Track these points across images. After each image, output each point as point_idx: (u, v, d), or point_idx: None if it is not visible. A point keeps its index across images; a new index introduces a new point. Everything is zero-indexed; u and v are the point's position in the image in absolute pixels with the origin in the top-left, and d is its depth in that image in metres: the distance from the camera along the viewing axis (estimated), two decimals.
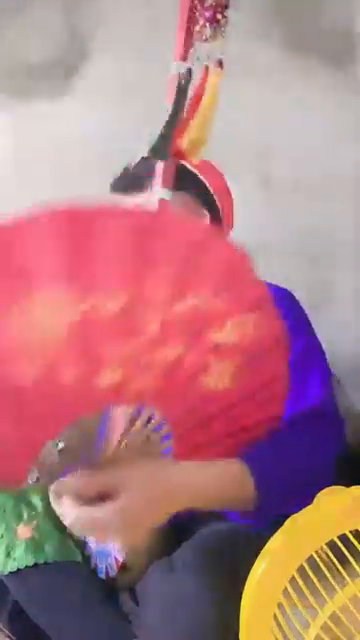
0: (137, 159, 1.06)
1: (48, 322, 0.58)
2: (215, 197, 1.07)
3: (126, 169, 1.07)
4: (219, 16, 0.91)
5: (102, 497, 0.65)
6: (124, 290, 0.59)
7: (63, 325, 0.58)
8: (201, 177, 1.04)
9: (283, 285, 1.03)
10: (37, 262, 0.57)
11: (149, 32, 1.64)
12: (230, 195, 1.11)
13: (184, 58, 0.92)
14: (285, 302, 0.98)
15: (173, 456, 0.72)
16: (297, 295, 1.02)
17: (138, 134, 1.08)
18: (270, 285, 1.01)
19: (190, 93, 0.91)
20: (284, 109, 1.66)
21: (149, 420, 0.70)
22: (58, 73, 1.72)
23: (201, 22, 0.91)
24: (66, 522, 0.67)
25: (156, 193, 0.89)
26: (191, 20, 0.92)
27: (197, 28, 0.91)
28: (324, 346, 0.98)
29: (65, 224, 0.61)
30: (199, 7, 0.92)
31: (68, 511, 0.67)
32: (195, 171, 1.02)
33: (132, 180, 1.03)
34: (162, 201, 0.88)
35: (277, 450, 0.79)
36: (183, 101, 0.91)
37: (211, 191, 1.06)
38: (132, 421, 0.69)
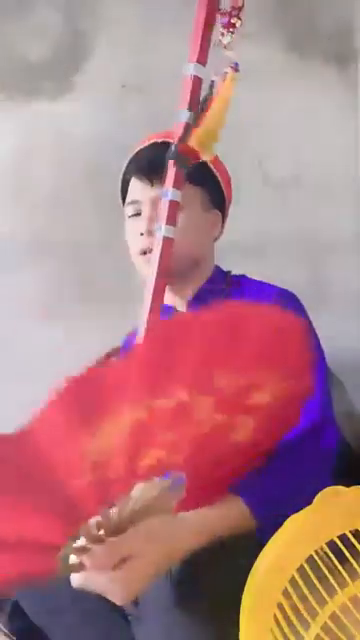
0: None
1: (110, 433, 0.59)
2: (224, 193, 1.07)
3: (141, 154, 1.06)
4: (234, 20, 0.92)
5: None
6: (185, 388, 0.61)
7: (122, 431, 0.60)
8: (217, 174, 1.04)
9: (283, 285, 1.03)
10: (112, 396, 0.59)
11: (149, 32, 1.64)
12: (230, 201, 1.11)
13: (201, 61, 0.92)
14: (288, 303, 0.99)
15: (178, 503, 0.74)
16: (297, 295, 1.02)
17: (138, 134, 1.09)
18: (273, 286, 1.02)
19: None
20: (284, 109, 1.66)
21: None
22: (58, 73, 1.72)
23: (219, 29, 0.91)
24: (73, 582, 0.69)
25: (162, 226, 0.90)
26: (208, 22, 0.93)
27: (218, 37, 0.92)
28: (324, 346, 0.98)
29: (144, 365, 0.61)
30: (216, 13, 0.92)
31: (75, 576, 0.70)
32: (212, 167, 1.02)
33: (149, 165, 1.02)
34: (166, 240, 0.91)
35: (271, 473, 0.80)
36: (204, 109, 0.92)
37: (222, 187, 1.06)
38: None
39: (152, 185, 1.02)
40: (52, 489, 0.59)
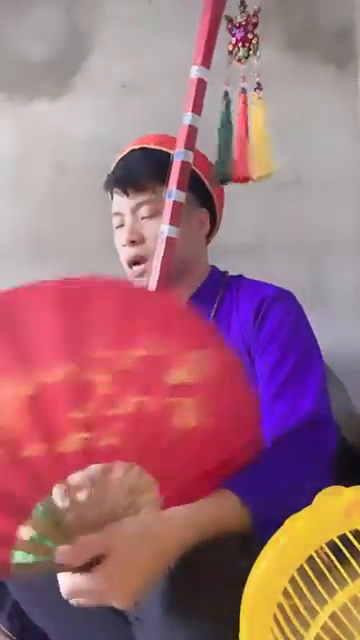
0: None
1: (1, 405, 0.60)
2: (213, 196, 1.07)
3: (117, 166, 1.07)
4: (250, 35, 0.93)
5: (96, 561, 0.66)
6: (64, 359, 0.62)
7: (15, 405, 0.60)
8: (204, 179, 1.04)
9: (283, 285, 1.03)
10: None
11: (149, 31, 1.64)
12: (222, 197, 1.11)
13: (205, 64, 0.93)
14: (286, 303, 0.98)
15: (164, 501, 0.72)
16: (297, 295, 1.02)
17: (138, 134, 1.09)
18: (271, 286, 1.02)
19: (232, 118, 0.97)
20: (284, 109, 1.66)
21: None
22: (58, 73, 1.72)
23: (233, 41, 0.92)
24: (63, 593, 0.67)
25: (164, 226, 0.92)
26: (213, 25, 0.93)
27: (229, 48, 0.94)
28: (324, 346, 0.99)
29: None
30: (229, 24, 0.94)
31: (62, 582, 0.68)
32: (198, 172, 1.02)
33: (123, 176, 1.03)
34: (169, 240, 0.93)
35: (267, 471, 0.80)
36: (228, 125, 0.97)
37: (210, 190, 1.06)
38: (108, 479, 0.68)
39: (127, 195, 1.02)
40: None
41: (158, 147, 1.02)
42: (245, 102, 0.97)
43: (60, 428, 0.63)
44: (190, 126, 0.93)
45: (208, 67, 0.93)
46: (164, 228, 0.92)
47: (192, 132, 0.93)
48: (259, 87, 0.96)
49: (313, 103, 1.65)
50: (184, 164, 0.93)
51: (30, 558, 0.66)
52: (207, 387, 0.69)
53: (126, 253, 1.03)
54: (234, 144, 0.98)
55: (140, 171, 1.00)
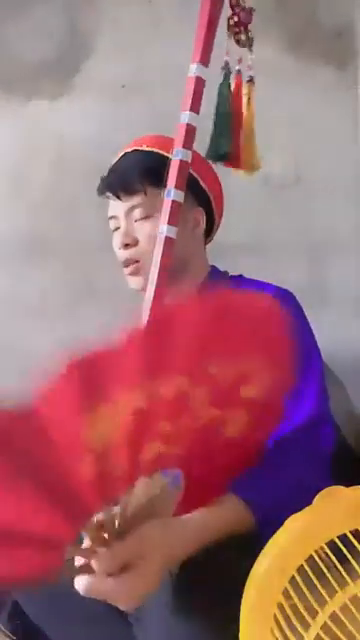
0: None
1: (110, 420, 0.58)
2: (210, 196, 1.07)
3: (110, 171, 1.07)
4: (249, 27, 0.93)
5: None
6: (183, 375, 0.61)
7: (122, 419, 0.59)
8: (198, 178, 1.04)
9: (283, 285, 1.03)
10: (112, 379, 0.58)
11: (149, 32, 1.64)
12: (221, 195, 1.11)
13: (204, 61, 0.92)
14: (285, 303, 0.98)
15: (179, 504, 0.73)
16: (297, 295, 1.02)
17: (138, 134, 1.09)
18: (270, 285, 1.02)
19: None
20: (284, 109, 1.66)
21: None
22: (58, 73, 1.72)
23: (235, 19, 0.91)
24: (79, 588, 0.67)
25: (162, 226, 0.91)
26: (211, 22, 0.93)
27: (230, 22, 0.93)
28: (324, 346, 0.98)
29: (139, 349, 0.60)
30: (236, 9, 0.93)
31: (81, 582, 0.67)
32: (192, 170, 1.02)
33: (115, 181, 1.03)
34: (167, 239, 0.91)
35: (269, 472, 0.81)
36: (227, 96, 0.95)
37: (207, 191, 1.06)
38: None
39: (121, 199, 1.02)
40: (53, 476, 0.57)
41: (150, 149, 1.02)
42: (240, 85, 0.96)
43: (148, 438, 0.63)
44: (188, 125, 0.92)
45: (206, 65, 0.93)
46: (162, 228, 0.92)
47: (190, 131, 0.92)
48: (251, 81, 0.96)
49: (313, 103, 1.65)
50: (182, 163, 0.92)
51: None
52: (264, 403, 0.70)
53: (121, 255, 1.04)
54: (232, 119, 0.96)
55: (131, 174, 1.01)
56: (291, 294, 1.01)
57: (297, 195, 1.66)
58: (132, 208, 1.02)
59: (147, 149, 1.01)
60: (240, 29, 0.94)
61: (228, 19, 0.94)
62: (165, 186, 0.96)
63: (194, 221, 1.06)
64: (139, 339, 0.59)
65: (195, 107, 0.92)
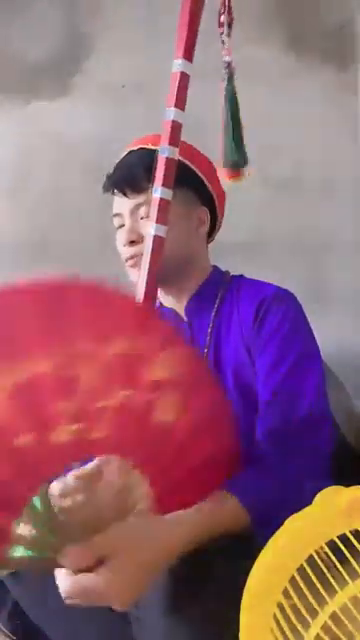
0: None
1: None
2: (213, 195, 1.07)
3: (115, 168, 1.07)
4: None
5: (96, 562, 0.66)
6: (48, 353, 0.64)
7: (2, 395, 0.62)
8: (203, 178, 1.04)
9: (283, 285, 1.03)
10: None
11: (149, 32, 1.64)
12: (223, 195, 1.11)
13: (187, 57, 0.91)
14: (286, 303, 0.99)
15: (155, 501, 0.73)
16: (297, 295, 1.02)
17: (138, 134, 1.09)
18: (271, 285, 1.02)
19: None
20: (284, 109, 1.66)
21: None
22: (58, 73, 1.72)
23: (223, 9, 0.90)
24: (61, 593, 0.67)
25: (152, 225, 0.90)
26: (193, 16, 0.91)
27: (221, 10, 0.91)
28: (324, 346, 0.99)
29: None
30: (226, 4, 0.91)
31: (61, 582, 0.67)
32: (192, 166, 1.03)
33: (121, 177, 1.04)
34: (157, 238, 0.90)
35: (266, 471, 0.81)
36: (234, 99, 0.94)
37: (210, 189, 1.06)
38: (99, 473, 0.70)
39: (127, 197, 1.03)
40: None
41: (156, 147, 1.02)
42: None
43: (50, 419, 0.64)
44: (174, 122, 0.90)
45: (190, 60, 0.91)
46: (151, 227, 0.90)
47: (176, 128, 0.90)
48: (227, 80, 0.94)
49: (313, 103, 1.66)
50: (169, 160, 0.91)
51: (29, 553, 0.67)
52: (182, 385, 0.72)
53: (126, 252, 1.04)
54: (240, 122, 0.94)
55: (138, 172, 1.01)
56: (291, 294, 1.01)
57: (297, 195, 1.66)
58: (138, 206, 1.02)
59: (153, 147, 1.02)
60: (225, 9, 0.92)
61: (219, 16, 0.92)
62: (187, 185, 0.96)
63: (198, 220, 1.06)
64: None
65: (180, 103, 0.90)
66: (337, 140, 1.65)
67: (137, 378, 0.68)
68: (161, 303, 1.10)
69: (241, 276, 1.09)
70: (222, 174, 0.95)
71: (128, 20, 1.67)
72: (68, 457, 0.68)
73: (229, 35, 0.92)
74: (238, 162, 0.92)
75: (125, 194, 1.03)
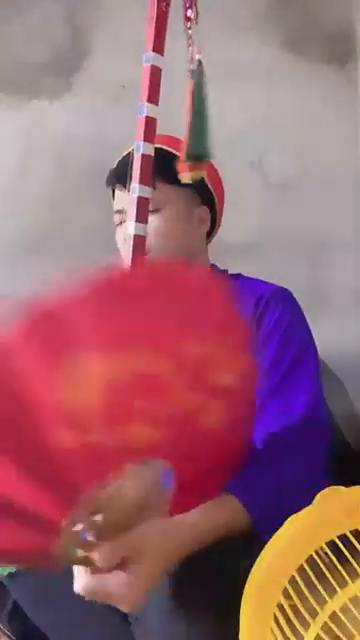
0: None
1: (85, 386, 0.58)
2: (214, 195, 1.08)
3: (118, 163, 1.07)
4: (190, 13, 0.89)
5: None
6: (150, 350, 0.61)
7: (98, 387, 0.59)
8: (204, 176, 1.04)
9: (282, 285, 1.03)
10: (78, 334, 0.58)
11: None
12: (223, 195, 1.11)
13: (157, 50, 0.89)
14: (283, 302, 0.99)
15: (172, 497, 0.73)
16: (296, 295, 1.02)
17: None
18: (269, 284, 1.02)
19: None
20: (284, 109, 1.66)
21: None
22: (58, 72, 1.72)
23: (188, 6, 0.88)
24: (76, 588, 0.67)
25: (131, 224, 0.88)
26: (160, 9, 0.90)
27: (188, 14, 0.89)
28: (324, 346, 0.99)
29: (103, 301, 0.61)
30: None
31: (79, 578, 0.67)
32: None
33: (124, 173, 1.04)
34: (137, 238, 0.88)
35: (265, 471, 0.81)
36: (201, 90, 0.88)
37: (210, 188, 1.07)
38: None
39: (129, 192, 1.02)
40: (32, 443, 0.56)
41: (160, 146, 1.02)
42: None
43: (130, 416, 0.62)
44: (147, 117, 0.89)
45: (162, 53, 0.90)
46: (131, 226, 0.88)
47: (150, 123, 0.89)
48: (192, 75, 0.87)
49: (313, 103, 1.65)
50: (145, 157, 0.89)
51: (71, 551, 0.66)
52: (235, 393, 0.70)
53: (127, 249, 1.04)
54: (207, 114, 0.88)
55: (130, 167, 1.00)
56: (289, 293, 1.01)
57: (297, 195, 1.66)
58: None
59: (157, 145, 1.02)
60: (190, 3, 0.89)
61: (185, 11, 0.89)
62: (174, 182, 0.95)
63: (199, 219, 1.06)
64: (99, 296, 0.59)
65: (153, 98, 0.89)
66: (337, 140, 1.65)
67: (205, 382, 0.66)
68: None
69: (239, 275, 1.09)
70: (182, 168, 0.93)
71: (128, 20, 1.67)
72: (131, 458, 0.66)
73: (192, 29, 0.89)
74: (202, 156, 0.89)
75: (128, 189, 1.03)
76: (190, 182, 0.94)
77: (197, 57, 0.88)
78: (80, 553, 0.67)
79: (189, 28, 0.89)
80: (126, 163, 1.05)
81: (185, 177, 0.88)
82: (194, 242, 1.06)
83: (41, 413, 0.57)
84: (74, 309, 0.58)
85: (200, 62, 0.88)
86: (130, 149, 1.07)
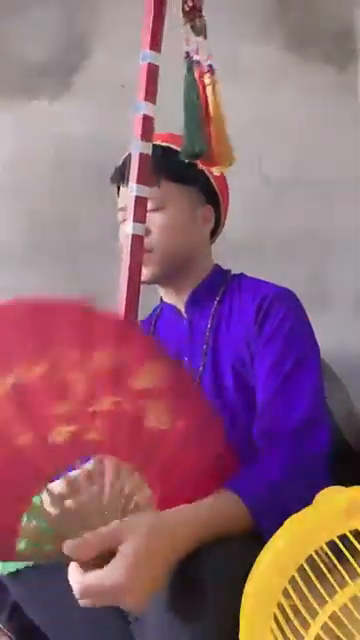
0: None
1: None
2: (218, 194, 1.08)
3: (124, 161, 1.07)
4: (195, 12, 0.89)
5: (105, 560, 0.66)
6: (39, 360, 0.70)
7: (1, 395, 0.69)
8: (207, 173, 1.04)
9: (283, 285, 1.03)
10: None
11: None
12: (228, 195, 1.11)
13: (154, 48, 0.89)
14: (287, 303, 0.99)
15: (157, 504, 0.74)
16: (297, 295, 1.02)
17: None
18: (272, 285, 1.03)
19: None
20: (284, 109, 1.66)
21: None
22: (58, 72, 1.72)
23: (192, 14, 0.88)
24: (75, 593, 0.67)
25: (129, 224, 0.88)
26: (159, 6, 0.90)
27: (185, 7, 0.88)
28: (324, 346, 0.99)
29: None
30: None
31: (73, 580, 0.67)
32: (202, 167, 1.03)
33: (126, 172, 1.04)
34: (135, 237, 0.88)
35: (265, 471, 0.81)
36: (194, 88, 0.89)
37: (215, 188, 1.07)
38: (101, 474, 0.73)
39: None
40: None
41: (165, 143, 1.02)
42: (201, 76, 0.89)
43: (46, 420, 0.70)
44: (145, 115, 0.88)
45: (158, 51, 0.90)
46: (129, 226, 0.88)
47: (148, 122, 0.88)
48: (211, 70, 0.89)
49: (313, 103, 1.65)
50: (143, 156, 0.89)
51: (36, 546, 0.70)
52: (169, 393, 0.76)
53: None
54: (201, 112, 0.88)
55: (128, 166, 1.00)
56: (292, 293, 1.02)
57: (297, 195, 1.66)
58: None
59: (163, 144, 1.02)
60: (195, 14, 0.89)
61: (183, 5, 0.88)
62: (179, 181, 0.95)
63: (203, 218, 1.06)
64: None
65: (150, 96, 0.88)
66: (337, 140, 1.65)
67: (123, 387, 0.73)
68: (162, 298, 1.11)
69: (242, 275, 1.09)
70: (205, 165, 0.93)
71: (128, 20, 1.67)
72: (66, 456, 0.72)
73: (204, 34, 0.89)
74: (197, 153, 0.88)
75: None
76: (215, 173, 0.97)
77: (186, 49, 0.88)
78: (49, 549, 0.69)
79: (186, 23, 0.88)
80: (129, 161, 1.05)
81: (217, 169, 0.91)
82: (197, 241, 1.06)
83: None
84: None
85: (188, 54, 0.88)
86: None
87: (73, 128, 1.70)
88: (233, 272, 1.10)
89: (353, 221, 1.64)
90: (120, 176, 1.05)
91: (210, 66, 0.89)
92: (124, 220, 1.06)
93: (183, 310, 1.07)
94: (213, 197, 1.07)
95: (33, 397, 0.70)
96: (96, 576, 0.65)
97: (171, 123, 0.94)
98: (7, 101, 1.73)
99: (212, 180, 1.06)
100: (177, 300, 1.08)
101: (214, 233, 1.12)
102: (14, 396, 0.69)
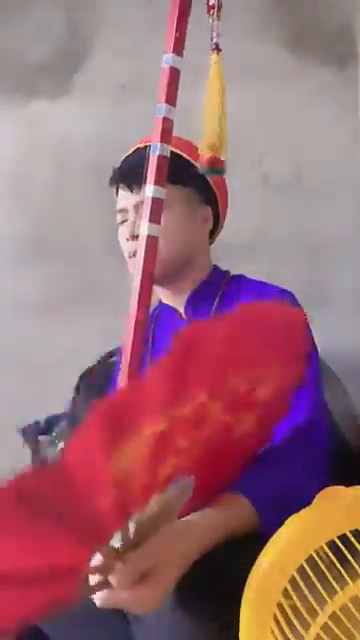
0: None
1: (135, 453, 0.58)
2: (216, 194, 1.08)
3: (123, 162, 1.07)
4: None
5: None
6: (204, 390, 0.61)
7: (145, 445, 0.59)
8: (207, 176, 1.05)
9: (283, 285, 1.03)
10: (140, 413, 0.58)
11: (149, 31, 1.64)
12: (227, 195, 1.11)
13: (177, 51, 0.89)
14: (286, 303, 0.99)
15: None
16: (297, 295, 1.02)
17: (138, 134, 1.09)
18: (272, 286, 1.03)
19: None
20: (284, 109, 1.66)
21: None
22: (58, 72, 1.72)
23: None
24: (96, 602, 0.67)
25: (144, 225, 0.88)
26: (182, 10, 0.90)
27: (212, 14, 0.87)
28: (324, 346, 0.99)
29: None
30: None
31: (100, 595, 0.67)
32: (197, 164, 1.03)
33: (128, 172, 1.04)
34: (149, 238, 0.88)
35: (270, 472, 0.81)
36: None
37: (214, 188, 1.07)
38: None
39: (132, 192, 1.03)
40: (74, 512, 0.56)
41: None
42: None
43: (168, 456, 0.62)
44: (165, 118, 0.88)
45: (181, 55, 0.88)
46: (144, 227, 0.88)
47: (167, 124, 0.88)
48: (217, 48, 0.88)
49: (313, 103, 1.66)
50: (161, 158, 0.89)
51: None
52: (273, 403, 0.71)
53: (129, 247, 1.04)
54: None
55: (145, 168, 1.00)
56: (291, 294, 1.02)
57: (297, 195, 1.66)
58: (143, 201, 1.02)
59: None
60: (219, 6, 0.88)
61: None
62: (177, 182, 0.95)
63: (201, 219, 1.06)
64: (165, 371, 0.57)
65: (171, 99, 0.88)
66: (337, 140, 1.65)
67: (245, 403, 0.67)
68: (160, 300, 1.11)
69: (241, 276, 1.09)
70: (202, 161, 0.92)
71: (128, 20, 1.67)
72: (160, 489, 0.66)
73: (219, 18, 0.88)
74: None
75: (131, 189, 1.03)
76: (207, 174, 0.93)
77: (215, 41, 0.86)
78: (93, 579, 0.66)
79: (212, 16, 0.88)
80: (130, 162, 1.05)
81: (203, 169, 0.88)
82: (196, 242, 1.06)
83: (93, 489, 0.56)
84: (139, 395, 0.57)
85: (217, 46, 0.87)
86: (134, 148, 1.07)
87: (73, 128, 1.70)
88: (232, 273, 1.10)
89: (353, 221, 1.64)
90: (119, 178, 1.05)
91: (216, 45, 0.88)
92: (123, 221, 1.06)
93: (182, 311, 1.07)
94: (212, 198, 1.07)
95: (171, 435, 0.60)
96: (119, 597, 0.65)
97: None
98: (7, 101, 1.73)
99: (210, 180, 1.05)
100: (176, 301, 1.08)
101: (213, 234, 1.12)
102: (159, 438, 0.59)
